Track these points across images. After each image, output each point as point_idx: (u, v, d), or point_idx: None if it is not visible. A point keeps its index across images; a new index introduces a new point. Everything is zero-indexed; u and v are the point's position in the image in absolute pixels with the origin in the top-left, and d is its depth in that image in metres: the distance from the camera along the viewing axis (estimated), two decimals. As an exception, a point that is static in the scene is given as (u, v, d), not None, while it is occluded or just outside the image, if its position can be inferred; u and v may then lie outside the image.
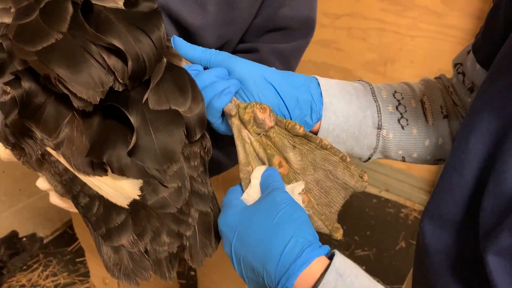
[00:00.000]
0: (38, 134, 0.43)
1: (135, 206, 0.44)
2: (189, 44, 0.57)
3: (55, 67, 0.39)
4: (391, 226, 2.09)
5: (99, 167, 0.43)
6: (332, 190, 0.54)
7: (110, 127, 0.43)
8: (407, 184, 2.27)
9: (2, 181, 1.76)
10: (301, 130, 0.54)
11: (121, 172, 0.41)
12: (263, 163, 0.55)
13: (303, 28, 0.74)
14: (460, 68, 0.62)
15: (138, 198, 0.43)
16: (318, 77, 0.61)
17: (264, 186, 0.51)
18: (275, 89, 0.56)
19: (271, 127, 0.54)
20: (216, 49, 0.58)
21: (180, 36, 0.59)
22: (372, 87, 0.63)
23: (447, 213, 0.48)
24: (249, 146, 0.55)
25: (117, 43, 0.41)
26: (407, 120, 0.62)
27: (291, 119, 0.57)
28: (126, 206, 0.44)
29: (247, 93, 0.55)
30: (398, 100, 0.62)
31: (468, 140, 0.46)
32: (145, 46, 0.43)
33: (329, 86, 0.60)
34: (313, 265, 0.42)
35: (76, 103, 0.40)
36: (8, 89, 0.43)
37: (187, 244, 0.47)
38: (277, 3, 0.71)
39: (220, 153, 0.73)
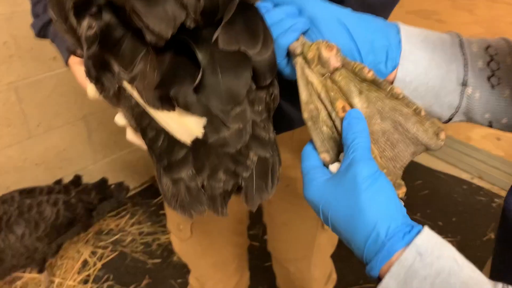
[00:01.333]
0: (116, 67, 0.46)
1: (197, 143, 0.46)
2: None
3: (132, 0, 0.41)
4: (481, 215, 1.98)
5: (167, 102, 0.44)
6: (399, 144, 0.51)
7: (180, 64, 0.44)
8: (504, 172, 2.12)
9: (99, 133, 1.94)
10: (369, 75, 0.50)
11: (186, 107, 0.43)
12: (325, 106, 0.52)
13: None
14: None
15: (200, 136, 0.46)
16: (400, 23, 0.57)
17: (345, 143, 0.48)
18: (348, 31, 0.53)
19: (337, 69, 0.51)
20: None
21: None
22: (461, 39, 0.57)
23: None
24: (311, 87, 0.52)
25: None
26: (499, 78, 0.55)
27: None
28: (189, 143, 0.46)
29: (317, 34, 0.53)
30: (491, 56, 0.56)
31: None
32: None
33: (411, 34, 0.55)
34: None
35: (149, 36, 0.43)
36: (93, 24, 0.46)
37: (243, 184, 0.49)
38: None
39: (293, 108, 0.73)
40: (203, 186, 0.47)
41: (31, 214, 1.48)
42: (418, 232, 0.42)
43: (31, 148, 1.76)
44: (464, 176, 2.21)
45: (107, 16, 0.45)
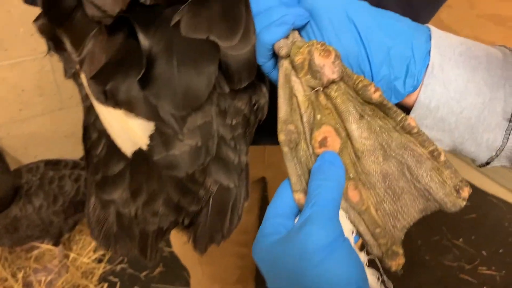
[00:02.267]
0: (68, 46, 0.38)
1: (138, 157, 0.37)
2: None
3: None
4: (533, 250, 1.81)
5: (112, 96, 0.36)
6: (404, 195, 0.39)
7: (132, 49, 0.35)
8: None
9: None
10: (376, 95, 0.39)
11: (128, 105, 0.35)
12: (304, 133, 0.40)
13: None
14: None
15: (144, 147, 0.36)
16: (432, 27, 0.44)
17: (309, 191, 0.37)
18: (357, 31, 0.41)
19: (333, 82, 0.39)
20: None
21: None
22: None
23: None
24: (296, 101, 0.40)
25: None
26: None
27: (372, 78, 0.42)
28: (129, 155, 0.38)
29: (317, 31, 0.41)
30: None
31: None
32: None
33: (446, 43, 0.42)
34: None
35: (90, 11, 0.35)
36: None
37: (186, 221, 0.39)
38: None
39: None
40: (136, 215, 0.39)
41: (52, 187, 1.48)
42: None
43: (62, 120, 1.76)
44: (520, 203, 2.03)
45: None
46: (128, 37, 0.36)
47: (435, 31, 0.43)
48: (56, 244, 1.60)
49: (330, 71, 0.39)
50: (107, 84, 0.35)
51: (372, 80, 0.42)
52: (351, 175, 0.39)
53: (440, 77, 0.41)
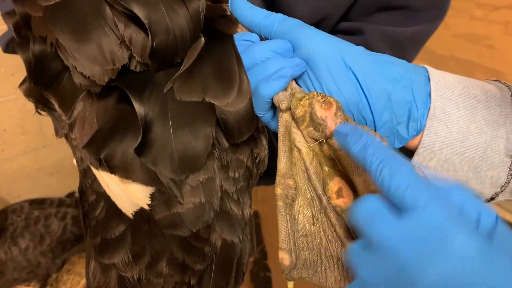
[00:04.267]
0: (57, 108, 0.39)
1: (140, 218, 0.37)
2: (249, 4, 0.44)
3: (58, 30, 0.33)
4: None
5: (106, 162, 0.35)
6: None
7: (125, 114, 0.35)
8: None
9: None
10: (383, 143, 0.36)
11: (124, 172, 0.34)
12: (313, 186, 0.39)
13: (430, 9, 0.61)
14: None
15: (146, 207, 0.36)
16: (429, 68, 0.45)
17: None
18: (356, 79, 0.41)
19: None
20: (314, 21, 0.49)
21: (262, 7, 0.48)
22: None
23: None
24: (297, 154, 0.40)
25: (137, 10, 0.33)
26: None
27: (374, 125, 0.42)
28: (130, 215, 0.37)
29: (315, 80, 0.42)
30: None
31: None
32: (179, 18, 0.35)
33: (445, 84, 0.43)
34: None
35: (77, 80, 0.35)
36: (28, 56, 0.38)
37: (193, 281, 0.38)
38: None
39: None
40: (139, 279, 0.38)
41: (38, 227, 1.50)
42: None
43: (45, 157, 1.78)
44: None
45: (36, 47, 0.37)
46: (119, 100, 0.37)
47: (433, 72, 0.44)
48: (43, 286, 1.60)
49: (332, 123, 0.39)
50: (101, 152, 0.34)
51: (375, 126, 0.42)
52: None
53: (442, 119, 0.42)
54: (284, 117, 0.41)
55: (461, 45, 2.10)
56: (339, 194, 0.38)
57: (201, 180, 0.37)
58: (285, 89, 0.41)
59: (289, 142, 0.40)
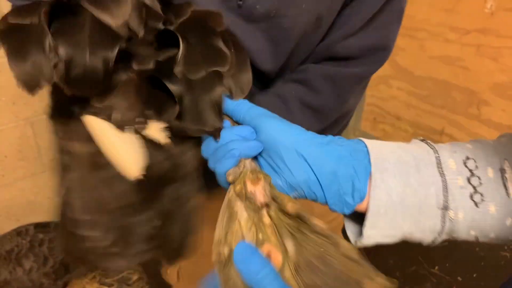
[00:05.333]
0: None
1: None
2: (231, 101, 0.56)
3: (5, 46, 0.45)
4: (504, 272, 1.99)
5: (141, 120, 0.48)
6: None
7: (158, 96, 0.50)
8: (530, 227, 2.13)
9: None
10: (290, 208, 0.46)
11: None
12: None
13: (372, 56, 0.71)
14: None
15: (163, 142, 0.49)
16: (367, 142, 0.54)
17: (252, 277, 0.44)
18: (307, 162, 0.50)
19: (266, 205, 0.47)
20: (275, 71, 0.60)
21: None
22: (438, 156, 0.54)
23: None
24: (237, 225, 0.47)
25: (61, 49, 0.45)
26: (481, 195, 0.52)
27: (325, 197, 0.50)
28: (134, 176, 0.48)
29: (272, 163, 0.51)
30: (471, 170, 0.53)
31: None
32: (96, 60, 0.45)
33: (381, 157, 0.52)
34: None
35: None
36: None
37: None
38: (343, 31, 0.69)
39: None
40: None
41: (41, 249, 1.58)
42: None
43: (44, 182, 1.87)
44: (488, 229, 2.22)
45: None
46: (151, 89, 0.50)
47: (371, 145, 0.53)
48: (45, 306, 1.67)
49: (261, 195, 0.47)
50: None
51: (325, 197, 0.50)
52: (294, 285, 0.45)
53: (382, 187, 0.51)
54: (231, 192, 0.49)
55: (437, 66, 2.25)
56: (268, 256, 0.45)
57: None
58: (238, 166, 0.50)
59: (228, 214, 0.48)
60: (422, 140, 0.56)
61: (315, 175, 0.51)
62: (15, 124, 1.71)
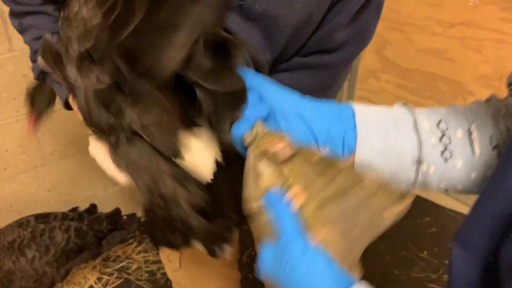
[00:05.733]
0: (129, 113, 0.54)
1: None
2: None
3: None
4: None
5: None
6: (355, 230, 0.53)
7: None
8: None
9: (110, 161, 2.11)
10: (316, 158, 0.55)
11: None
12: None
13: (352, 46, 0.78)
14: None
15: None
16: (355, 105, 0.63)
17: (273, 222, 0.53)
18: (307, 122, 0.59)
19: (290, 158, 0.55)
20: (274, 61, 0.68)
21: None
22: (415, 118, 0.62)
23: (477, 244, 0.50)
24: (265, 179, 0.54)
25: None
26: (451, 152, 0.61)
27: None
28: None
29: (276, 124, 0.59)
30: (443, 131, 0.62)
31: (507, 166, 0.46)
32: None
33: (366, 117, 0.61)
34: None
35: None
36: (105, 77, 0.52)
37: None
38: (331, 26, 0.76)
39: None
40: None
41: (43, 239, 1.65)
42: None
43: (44, 175, 1.94)
44: (466, 210, 2.31)
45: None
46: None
47: (357, 107, 0.62)
48: (48, 294, 1.74)
49: (285, 150, 0.55)
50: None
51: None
52: (315, 217, 0.53)
53: (366, 144, 0.60)
54: (250, 157, 0.57)
55: (424, 59, 2.33)
56: (292, 200, 0.54)
57: None
58: (251, 131, 0.57)
59: (253, 175, 0.56)
60: (403, 105, 0.65)
61: (313, 133, 0.59)
62: (15, 119, 1.77)
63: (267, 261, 0.54)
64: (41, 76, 0.88)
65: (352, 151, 0.61)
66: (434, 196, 2.40)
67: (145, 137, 0.55)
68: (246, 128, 0.57)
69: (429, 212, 2.34)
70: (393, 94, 2.56)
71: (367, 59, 2.63)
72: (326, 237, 0.51)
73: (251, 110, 0.58)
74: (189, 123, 0.55)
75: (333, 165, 0.55)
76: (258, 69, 0.77)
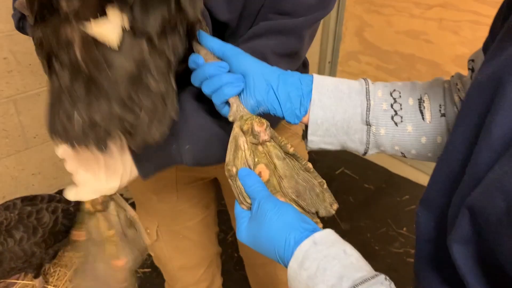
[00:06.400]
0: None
1: None
2: (210, 37, 0.71)
3: None
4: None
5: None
6: (307, 200, 0.67)
7: None
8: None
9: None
10: (291, 150, 0.67)
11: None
12: (248, 166, 0.67)
13: (312, 14, 0.79)
14: (471, 64, 0.68)
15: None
16: (315, 75, 0.72)
17: (248, 194, 0.64)
18: (271, 86, 0.69)
19: (266, 141, 0.67)
20: (234, 22, 0.73)
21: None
22: (368, 87, 0.71)
23: (436, 203, 0.55)
24: (241, 153, 0.67)
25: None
26: (401, 117, 0.69)
27: (282, 111, 0.70)
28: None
29: (246, 87, 0.69)
30: (395, 98, 0.70)
31: (457, 130, 0.51)
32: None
33: (322, 85, 0.71)
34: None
35: None
36: None
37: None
38: None
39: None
40: None
41: (30, 220, 1.67)
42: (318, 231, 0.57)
43: (27, 159, 1.95)
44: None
45: None
46: None
47: (317, 77, 0.72)
48: (36, 276, 1.77)
49: (263, 134, 0.67)
50: None
51: (282, 111, 0.70)
52: (277, 189, 0.67)
53: (319, 105, 0.70)
54: (236, 130, 0.68)
55: (403, 41, 2.39)
56: (259, 175, 0.67)
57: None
58: (231, 108, 0.69)
59: (236, 145, 0.67)
60: (365, 79, 0.74)
61: (276, 95, 0.70)
62: (-4, 102, 1.78)
63: (243, 225, 0.64)
64: (20, 24, 0.89)
65: (307, 110, 0.71)
66: (413, 174, 2.49)
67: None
68: (236, 91, 0.68)
69: (408, 190, 2.43)
70: (373, 76, 2.62)
71: (347, 41, 2.69)
72: (288, 201, 0.66)
73: (235, 78, 0.68)
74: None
75: (297, 159, 0.68)
76: (222, 29, 0.81)
